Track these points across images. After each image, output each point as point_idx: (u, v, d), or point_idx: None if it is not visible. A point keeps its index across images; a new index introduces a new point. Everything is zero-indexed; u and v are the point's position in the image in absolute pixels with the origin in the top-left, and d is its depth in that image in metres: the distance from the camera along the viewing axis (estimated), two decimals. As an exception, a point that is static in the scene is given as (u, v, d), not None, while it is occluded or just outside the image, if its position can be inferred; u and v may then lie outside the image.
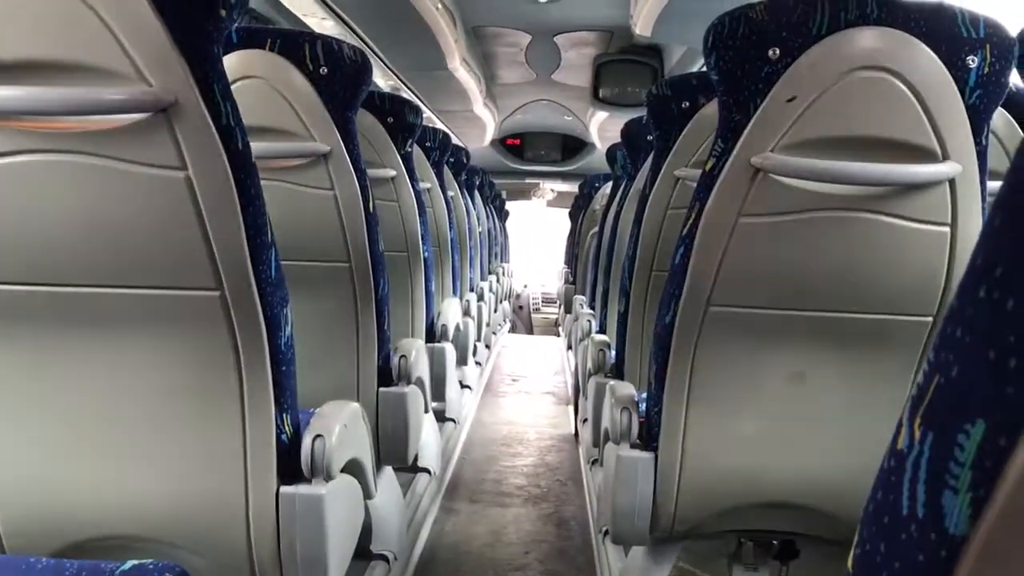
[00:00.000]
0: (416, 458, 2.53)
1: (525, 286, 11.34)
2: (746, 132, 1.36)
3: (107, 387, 1.31)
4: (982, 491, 0.40)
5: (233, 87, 1.71)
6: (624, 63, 5.26)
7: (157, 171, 1.15)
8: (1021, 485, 0.38)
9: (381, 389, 2.12)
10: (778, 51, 1.32)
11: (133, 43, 1.10)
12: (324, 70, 1.84)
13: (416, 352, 2.21)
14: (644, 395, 1.71)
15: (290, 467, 1.39)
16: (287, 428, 1.37)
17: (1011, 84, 1.37)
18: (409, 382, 2.17)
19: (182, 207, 1.17)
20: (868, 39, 1.30)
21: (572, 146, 9.07)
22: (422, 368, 2.31)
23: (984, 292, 0.41)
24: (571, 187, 9.20)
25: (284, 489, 1.37)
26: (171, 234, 1.19)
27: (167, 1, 1.11)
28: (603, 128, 7.30)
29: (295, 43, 1.83)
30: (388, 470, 2.25)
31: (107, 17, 1.08)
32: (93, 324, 1.27)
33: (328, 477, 1.40)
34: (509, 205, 10.55)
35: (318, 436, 1.40)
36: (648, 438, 1.64)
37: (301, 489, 1.38)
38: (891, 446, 0.49)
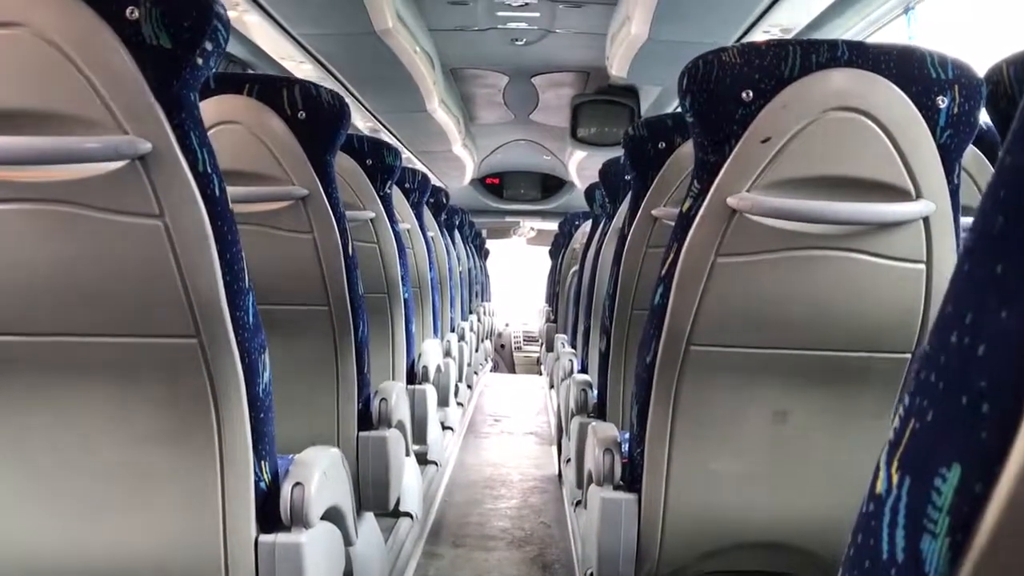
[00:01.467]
0: (398, 502, 2.51)
1: (507, 325, 11.33)
2: (722, 173, 1.37)
3: (83, 436, 1.29)
4: (960, 536, 0.40)
5: (211, 132, 1.72)
6: (601, 103, 5.32)
7: (133, 219, 1.15)
8: (999, 530, 0.38)
9: (361, 433, 2.10)
10: (751, 93, 1.34)
11: (110, 91, 1.10)
12: (303, 114, 1.85)
13: (396, 395, 2.20)
14: (627, 435, 1.70)
15: (269, 515, 1.37)
16: (265, 475, 1.36)
17: (981, 122, 1.40)
18: (390, 425, 2.15)
19: (159, 255, 1.17)
20: (840, 81, 1.32)
21: (551, 185, 9.14)
22: (403, 411, 2.30)
23: (955, 338, 0.41)
24: (551, 225, 9.25)
25: (263, 538, 1.35)
26: (148, 282, 1.19)
27: (144, 50, 1.11)
28: (582, 167, 7.36)
29: (273, 88, 1.84)
30: (369, 515, 2.22)
31: (84, 66, 1.09)
32: (69, 373, 1.25)
33: (307, 525, 1.38)
34: (489, 244, 10.58)
35: (297, 483, 1.38)
36: (631, 479, 1.63)
37: (280, 537, 1.36)
38: (869, 490, 0.49)
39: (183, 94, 1.16)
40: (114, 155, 1.11)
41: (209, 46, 1.16)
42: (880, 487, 0.47)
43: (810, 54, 1.33)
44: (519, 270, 12.18)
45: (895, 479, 0.45)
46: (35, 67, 1.08)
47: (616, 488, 1.64)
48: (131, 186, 1.14)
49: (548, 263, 9.09)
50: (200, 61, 1.16)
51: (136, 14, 1.10)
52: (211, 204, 1.18)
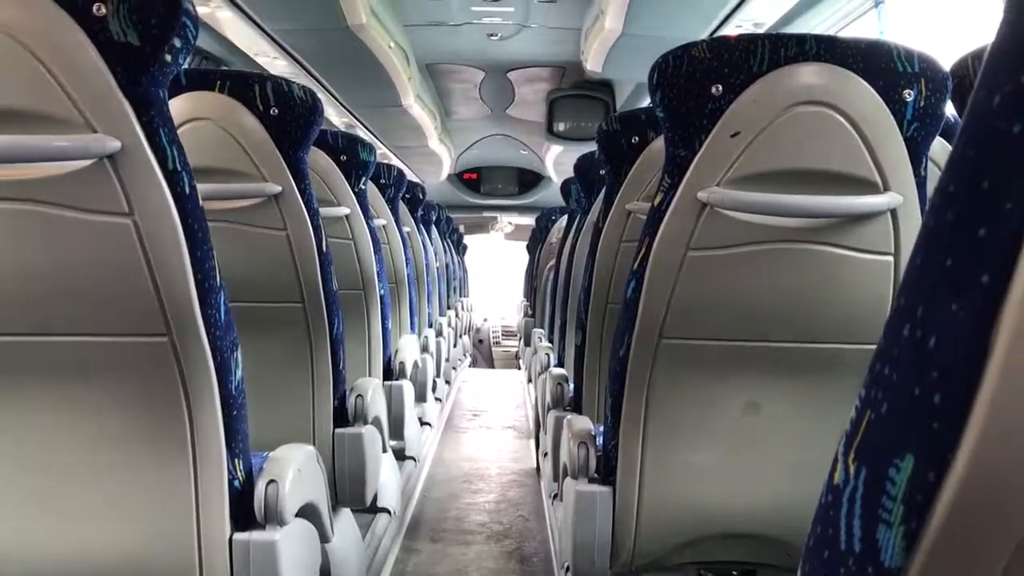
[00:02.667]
0: (375, 498, 2.51)
1: (485, 320, 11.33)
2: (692, 167, 1.38)
3: (53, 436, 1.28)
4: (914, 524, 0.40)
5: (183, 129, 1.71)
6: (577, 98, 5.33)
7: (103, 217, 1.14)
8: (951, 518, 0.39)
9: (337, 430, 2.10)
10: (721, 87, 1.35)
11: (77, 90, 1.09)
12: (275, 111, 1.84)
13: (372, 391, 2.20)
14: (602, 428, 1.71)
15: (243, 513, 1.37)
16: (239, 473, 1.35)
17: (948, 115, 1.41)
18: (366, 422, 2.15)
19: (128, 253, 1.16)
20: (808, 75, 1.33)
21: (528, 180, 9.14)
22: (379, 407, 2.29)
23: (908, 331, 0.42)
24: (528, 220, 9.26)
25: (237, 536, 1.35)
26: (118, 280, 1.18)
27: (112, 46, 1.10)
28: (558, 162, 7.37)
29: (245, 84, 1.83)
30: (346, 511, 2.22)
31: (51, 64, 1.08)
32: (38, 372, 1.25)
33: (282, 522, 1.38)
34: (467, 239, 10.57)
35: (271, 481, 1.38)
36: (606, 472, 1.64)
37: (255, 536, 1.35)
38: (828, 481, 0.50)
39: (152, 91, 1.15)
40: (83, 153, 1.10)
41: (178, 43, 1.15)
42: (838, 477, 0.48)
43: (779, 48, 1.34)
44: (497, 265, 12.18)
45: (852, 469, 0.46)
46: (2, 65, 1.07)
47: (591, 481, 1.65)
48: (100, 184, 1.13)
49: (526, 258, 9.10)
50: (169, 58, 1.15)
51: (103, 10, 1.09)
52: (181, 202, 1.18)
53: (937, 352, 0.39)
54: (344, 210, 2.54)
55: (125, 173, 1.13)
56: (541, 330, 4.59)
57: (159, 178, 1.15)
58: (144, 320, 1.21)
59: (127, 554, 1.33)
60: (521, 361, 7.30)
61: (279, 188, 1.86)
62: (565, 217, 4.62)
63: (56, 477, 1.30)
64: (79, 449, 1.29)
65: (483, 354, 10.87)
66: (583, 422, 1.80)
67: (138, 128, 1.13)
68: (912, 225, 1.38)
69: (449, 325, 5.63)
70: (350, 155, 2.57)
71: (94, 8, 1.09)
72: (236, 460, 1.34)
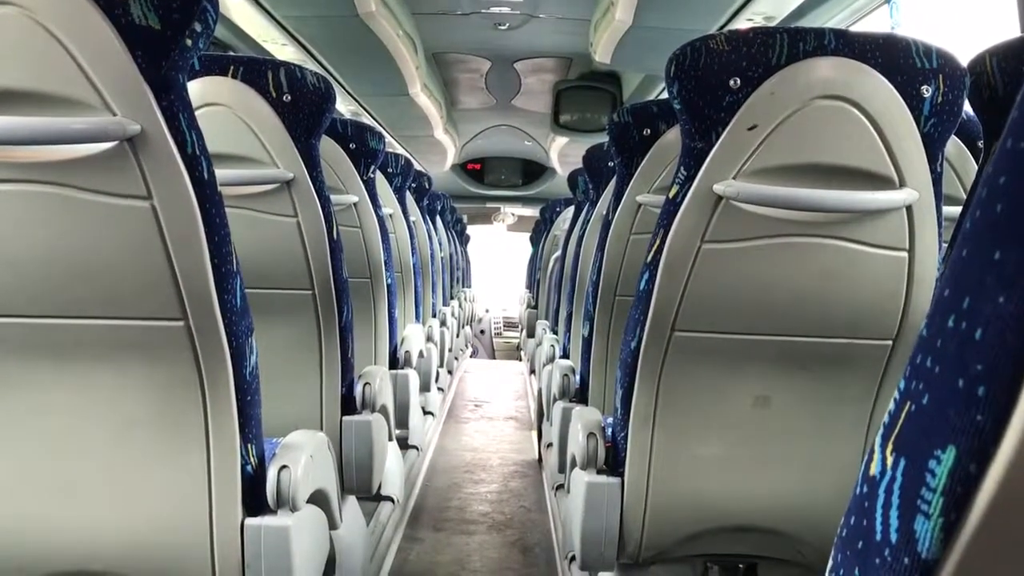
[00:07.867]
0: (379, 486, 2.52)
1: (487, 310, 11.33)
2: (708, 160, 1.38)
3: (69, 418, 1.28)
4: (953, 516, 0.41)
5: (196, 114, 1.71)
6: (583, 89, 5.32)
7: (122, 201, 1.14)
8: (991, 510, 0.39)
9: (345, 417, 2.10)
10: (739, 81, 1.35)
11: (99, 73, 1.09)
12: (288, 97, 1.84)
13: (380, 379, 2.20)
14: (610, 420, 1.72)
15: (255, 498, 1.37)
16: (252, 458, 1.36)
17: (962, 112, 1.41)
18: (373, 410, 2.15)
19: (147, 236, 1.16)
20: (826, 69, 1.33)
21: (532, 171, 9.12)
22: (386, 395, 2.30)
23: (952, 322, 0.42)
24: (532, 211, 9.25)
25: (249, 521, 1.35)
26: (135, 264, 1.18)
27: (133, 31, 1.10)
28: (563, 153, 7.36)
29: (258, 70, 1.83)
30: (352, 499, 2.22)
31: (72, 47, 1.07)
32: (55, 355, 1.25)
33: (294, 508, 1.38)
34: (470, 229, 10.56)
35: (284, 467, 1.38)
36: (615, 463, 1.64)
37: (267, 521, 1.36)
38: (863, 472, 0.50)
39: (172, 76, 1.15)
40: (103, 136, 1.10)
41: (198, 27, 1.15)
42: (874, 469, 0.48)
43: (797, 42, 1.34)
44: (499, 256, 12.17)
45: (889, 461, 0.46)
46: (23, 47, 1.07)
47: (599, 472, 1.65)
48: (120, 168, 1.13)
49: (528, 249, 9.09)
50: (189, 42, 1.15)
51: None
52: (199, 187, 1.18)
53: (983, 344, 0.39)
54: (352, 198, 2.54)
55: (144, 157, 1.13)
56: (545, 321, 4.59)
57: (178, 162, 1.15)
58: (161, 304, 1.21)
59: (140, 537, 1.34)
60: (523, 352, 7.31)
61: (291, 175, 1.86)
62: (570, 209, 4.61)
63: (70, 459, 1.31)
64: (94, 432, 1.29)
65: (484, 345, 10.87)
66: (592, 413, 1.80)
67: (158, 112, 1.13)
68: (927, 221, 1.38)
69: (453, 315, 5.64)
70: (359, 143, 2.57)
71: None
72: (249, 445, 1.34)
